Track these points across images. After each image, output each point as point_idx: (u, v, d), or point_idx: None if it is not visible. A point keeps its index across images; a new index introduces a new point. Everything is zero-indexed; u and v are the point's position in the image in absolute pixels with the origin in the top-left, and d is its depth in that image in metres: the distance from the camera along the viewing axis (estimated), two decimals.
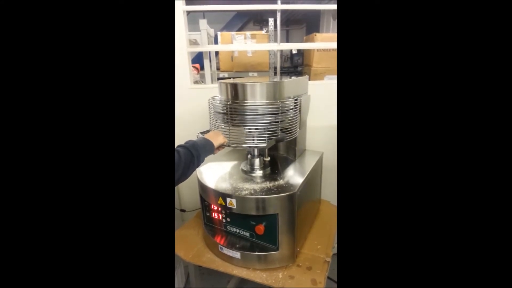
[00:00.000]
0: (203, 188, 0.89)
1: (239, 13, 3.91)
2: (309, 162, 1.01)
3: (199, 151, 0.73)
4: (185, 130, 1.19)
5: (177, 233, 1.04)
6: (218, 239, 0.90)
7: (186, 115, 1.19)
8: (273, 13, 2.08)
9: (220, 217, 0.89)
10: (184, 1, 1.09)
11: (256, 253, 0.84)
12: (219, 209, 0.87)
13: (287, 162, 1.02)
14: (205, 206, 0.92)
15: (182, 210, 1.17)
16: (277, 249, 0.84)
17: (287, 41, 4.18)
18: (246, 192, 0.81)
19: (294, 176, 0.91)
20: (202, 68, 1.51)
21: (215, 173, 0.94)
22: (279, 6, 1.20)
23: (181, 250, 0.94)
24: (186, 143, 0.74)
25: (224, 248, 0.87)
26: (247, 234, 0.87)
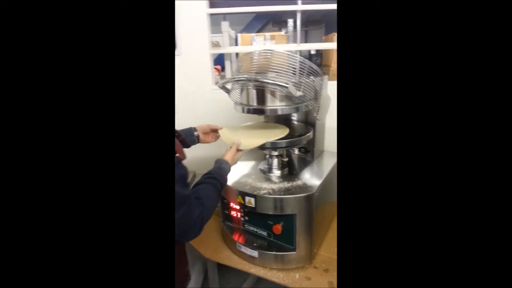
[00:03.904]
0: None
1: (259, 15, 3.93)
2: (327, 164, 1.00)
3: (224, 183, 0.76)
4: None
5: None
6: (236, 237, 0.92)
7: (208, 115, 1.23)
8: (292, 14, 2.08)
9: (239, 216, 0.91)
10: (207, 4, 1.12)
11: (274, 252, 0.85)
12: (238, 207, 0.89)
13: (305, 163, 1.02)
14: (224, 204, 0.94)
15: None
16: (294, 250, 0.85)
17: (306, 41, 4.16)
18: (265, 191, 0.82)
19: (312, 177, 0.91)
20: (223, 69, 1.54)
21: (234, 172, 0.96)
22: (299, 7, 1.20)
23: (200, 246, 0.97)
24: (213, 179, 0.72)
25: (242, 246, 0.89)
26: (264, 233, 0.88)
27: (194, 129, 0.89)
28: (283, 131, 0.89)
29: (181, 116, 1.25)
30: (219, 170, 0.75)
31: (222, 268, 1.06)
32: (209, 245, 0.98)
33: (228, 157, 0.79)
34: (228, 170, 0.78)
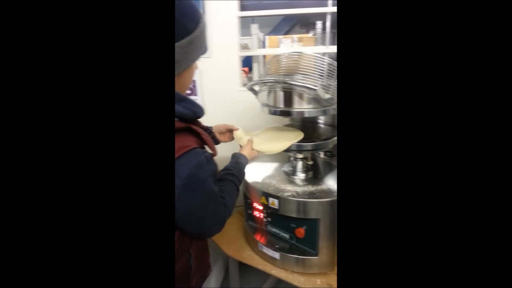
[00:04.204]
0: (246, 186, 0.92)
1: (287, 17, 3.93)
2: None
3: (242, 178, 0.74)
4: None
5: None
6: (258, 237, 0.93)
7: (235, 115, 1.26)
8: (321, 16, 2.05)
9: (262, 216, 0.91)
10: (238, 7, 1.15)
11: (295, 256, 0.85)
12: (261, 208, 0.90)
13: (330, 168, 1.00)
14: (248, 204, 0.95)
15: None
16: (316, 255, 0.83)
17: (334, 43, 4.07)
18: (289, 193, 0.82)
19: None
20: (250, 70, 1.57)
21: (259, 172, 0.97)
22: (329, 9, 1.18)
23: (222, 244, 0.99)
24: (232, 176, 0.70)
25: (264, 246, 0.89)
26: (287, 236, 0.88)
27: (210, 128, 0.90)
28: (298, 135, 0.87)
29: (209, 116, 1.29)
30: (237, 165, 0.74)
31: (243, 267, 1.07)
32: (232, 244, 0.99)
33: (245, 152, 0.79)
34: (246, 164, 0.77)
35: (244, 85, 1.26)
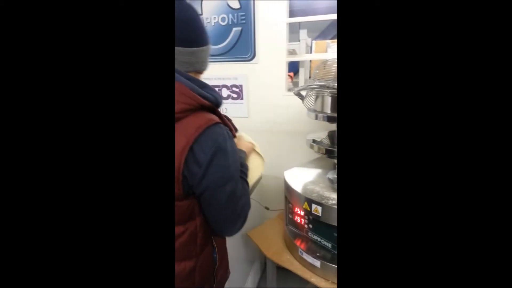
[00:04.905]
0: (289, 190, 0.92)
1: (335, 21, 3.82)
2: None
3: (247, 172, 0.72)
4: (279, 133, 1.27)
5: (259, 228, 1.11)
6: (298, 242, 0.92)
7: (280, 120, 1.28)
8: None
9: (303, 222, 0.90)
10: (287, 14, 1.16)
11: (337, 266, 0.82)
12: (303, 213, 0.89)
13: None
14: (289, 208, 0.95)
15: (266, 208, 1.24)
16: None
17: None
18: (333, 201, 0.80)
19: None
20: (295, 75, 1.57)
21: (302, 177, 0.96)
22: None
23: (261, 244, 1.01)
24: (241, 171, 0.68)
25: (304, 253, 0.88)
26: (329, 245, 0.85)
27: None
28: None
29: (255, 120, 1.33)
30: (240, 160, 0.71)
31: (280, 270, 1.07)
32: (271, 246, 1.00)
33: (243, 146, 0.77)
34: (244, 157, 0.75)
35: (289, 90, 1.27)
